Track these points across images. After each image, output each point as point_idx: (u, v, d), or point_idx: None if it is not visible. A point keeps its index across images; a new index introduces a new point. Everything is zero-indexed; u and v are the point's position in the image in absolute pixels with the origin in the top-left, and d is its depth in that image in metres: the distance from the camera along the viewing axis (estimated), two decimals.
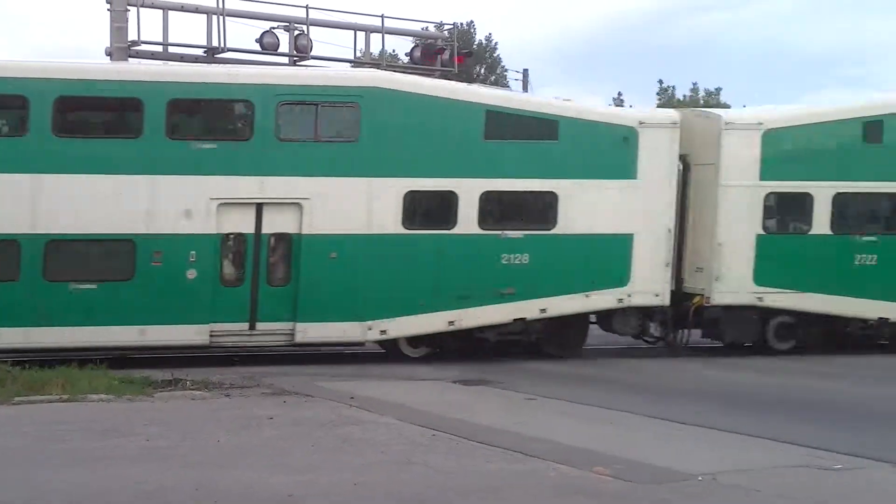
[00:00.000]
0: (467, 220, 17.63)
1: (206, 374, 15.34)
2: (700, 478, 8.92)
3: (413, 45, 24.90)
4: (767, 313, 19.03)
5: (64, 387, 13.44)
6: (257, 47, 22.57)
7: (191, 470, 9.14)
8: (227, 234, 16.99)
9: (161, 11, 21.75)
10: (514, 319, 18.03)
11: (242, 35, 24.04)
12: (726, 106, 42.26)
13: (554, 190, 18.02)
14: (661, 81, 53.34)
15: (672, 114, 19.42)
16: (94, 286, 16.46)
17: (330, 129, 17.43)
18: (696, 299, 18.74)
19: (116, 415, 12.00)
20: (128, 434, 10.73)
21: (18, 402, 12.69)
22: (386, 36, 24.03)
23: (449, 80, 20.74)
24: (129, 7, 21.57)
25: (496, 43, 51.32)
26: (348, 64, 24.59)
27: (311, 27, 22.87)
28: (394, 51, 33.91)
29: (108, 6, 21.76)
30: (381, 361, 17.80)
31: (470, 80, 31.32)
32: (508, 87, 36.87)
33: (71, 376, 14.00)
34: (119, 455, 9.71)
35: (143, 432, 10.81)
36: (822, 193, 18.87)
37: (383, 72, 18.73)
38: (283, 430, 11.07)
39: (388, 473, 9.11)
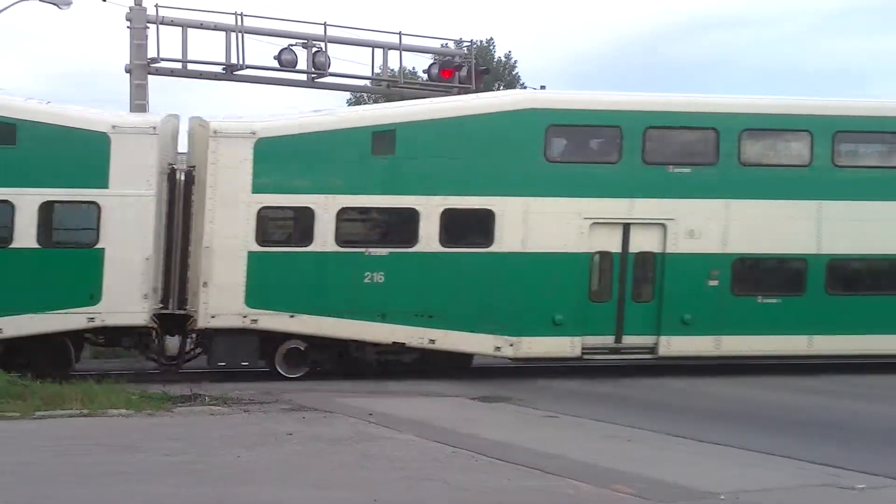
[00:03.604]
0: None
1: (223, 389, 15.39)
2: (723, 496, 8.79)
3: (431, 61, 25.02)
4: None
5: (83, 401, 13.50)
6: (275, 64, 22.83)
7: (210, 486, 9.12)
8: None
9: (180, 29, 21.99)
10: None
11: (261, 52, 24.22)
12: None
13: None
14: None
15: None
16: None
17: None
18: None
19: (136, 430, 12.04)
20: (147, 449, 10.73)
21: (39, 417, 12.76)
22: (403, 53, 24.20)
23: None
24: (148, 24, 21.83)
25: (515, 61, 51.16)
26: (367, 81, 24.78)
27: (328, 44, 23.07)
28: (413, 68, 33.94)
29: (128, 24, 22.03)
30: (400, 378, 17.76)
31: None
32: None
33: (90, 391, 14.06)
34: (138, 470, 9.71)
35: (163, 447, 10.82)
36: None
37: None
38: (301, 446, 11.05)
39: (405, 490, 9.07)
